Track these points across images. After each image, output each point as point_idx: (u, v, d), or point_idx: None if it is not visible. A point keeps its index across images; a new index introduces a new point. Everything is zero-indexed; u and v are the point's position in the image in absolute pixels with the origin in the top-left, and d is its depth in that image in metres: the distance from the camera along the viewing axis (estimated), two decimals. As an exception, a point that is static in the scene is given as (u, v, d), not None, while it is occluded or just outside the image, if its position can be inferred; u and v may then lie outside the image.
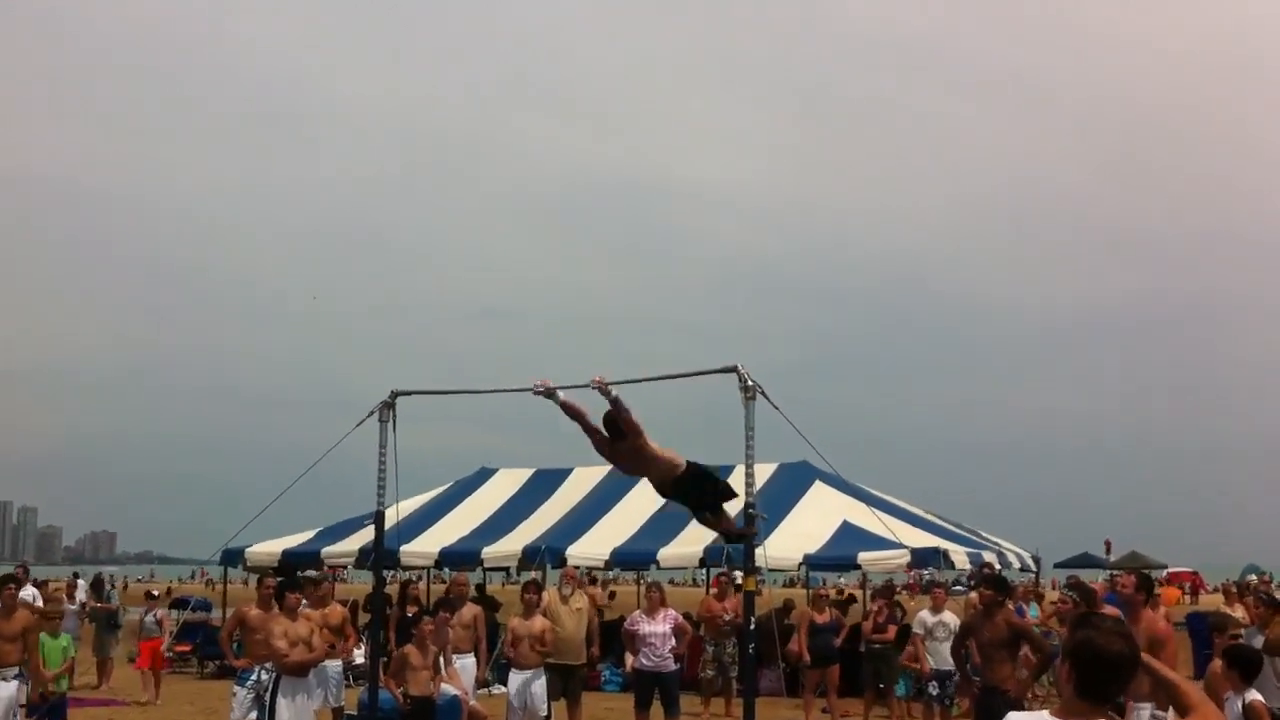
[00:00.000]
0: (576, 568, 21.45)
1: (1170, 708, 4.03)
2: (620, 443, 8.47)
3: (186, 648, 23.56)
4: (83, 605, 23.13)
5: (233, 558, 22.51)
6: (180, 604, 25.76)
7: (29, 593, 20.39)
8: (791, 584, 49.65)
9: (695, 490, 8.50)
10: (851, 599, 25.80)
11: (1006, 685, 10.42)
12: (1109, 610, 4.03)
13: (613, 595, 33.67)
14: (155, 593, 21.78)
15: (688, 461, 8.46)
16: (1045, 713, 3.77)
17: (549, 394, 8.69)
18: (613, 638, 18.62)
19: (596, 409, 8.47)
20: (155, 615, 19.64)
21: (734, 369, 8.09)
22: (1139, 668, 3.77)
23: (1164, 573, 53.09)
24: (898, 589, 27.36)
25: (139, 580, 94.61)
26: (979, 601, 11.90)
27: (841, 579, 28.05)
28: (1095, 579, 34.79)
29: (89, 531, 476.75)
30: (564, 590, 15.18)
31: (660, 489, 8.70)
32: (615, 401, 8.52)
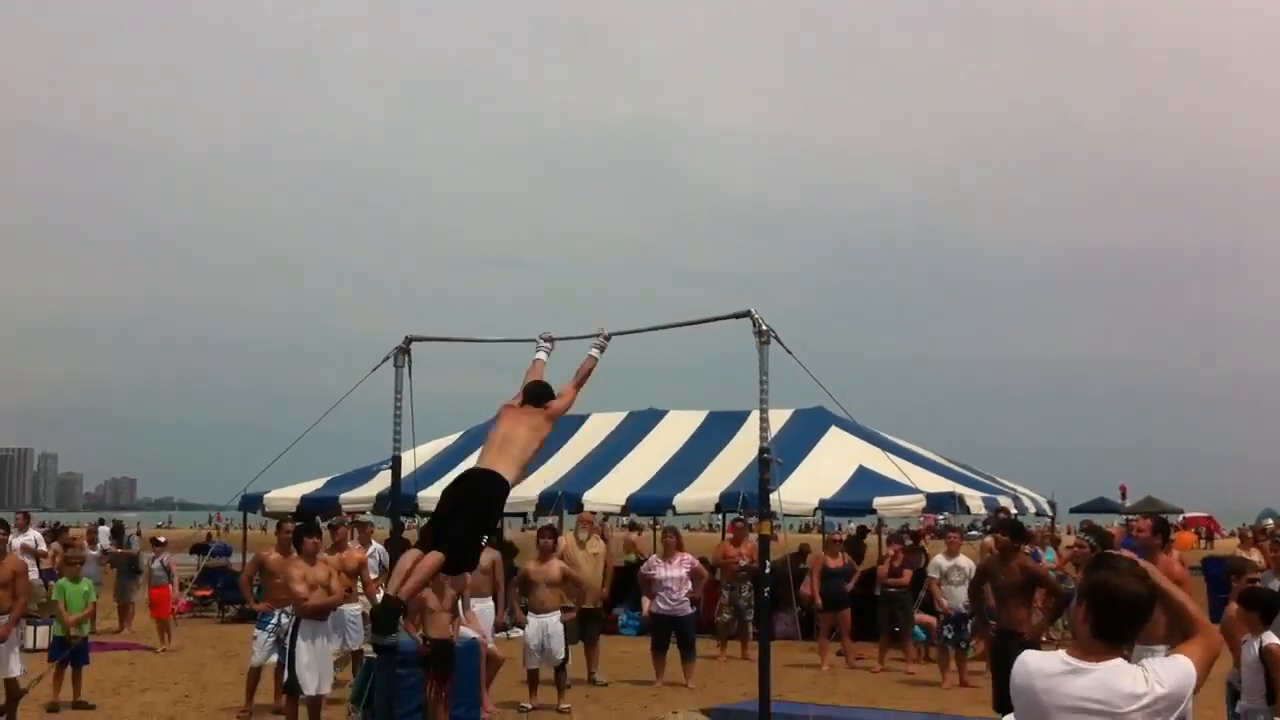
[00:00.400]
0: (593, 513, 21.58)
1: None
2: (532, 411, 8.37)
3: (207, 592, 23.78)
4: (104, 551, 23.31)
5: (251, 503, 22.63)
6: (200, 549, 25.95)
7: (31, 536, 20.51)
8: (807, 529, 49.79)
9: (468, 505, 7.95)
10: (864, 530, 25.87)
11: (1022, 629, 10.47)
12: (1125, 554, 4.01)
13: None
14: (163, 539, 21.83)
15: (505, 480, 8.09)
16: (1061, 652, 3.79)
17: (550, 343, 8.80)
18: (630, 582, 18.73)
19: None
20: (162, 561, 19.55)
21: (747, 314, 8.06)
22: (1154, 609, 3.78)
23: (1179, 518, 53.04)
24: (923, 535, 27.40)
25: (158, 526, 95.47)
26: (995, 546, 11.94)
27: (851, 524, 28.11)
28: (1111, 524, 34.80)
29: (109, 478, 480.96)
30: (580, 535, 15.28)
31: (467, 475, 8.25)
32: (590, 366, 8.62)
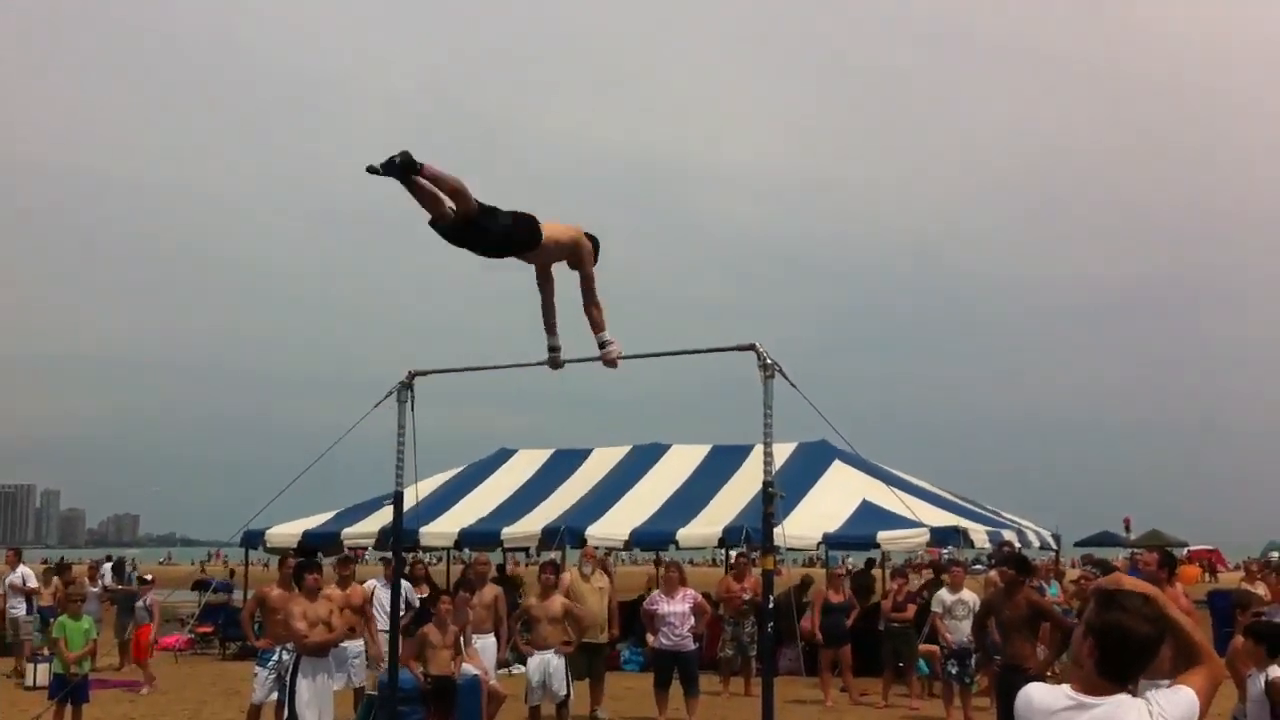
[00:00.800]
0: (596, 548, 21.52)
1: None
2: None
3: (208, 629, 23.68)
4: (104, 588, 23.24)
5: (253, 539, 22.60)
6: (201, 586, 25.87)
7: (19, 574, 20.38)
8: (810, 564, 49.66)
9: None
10: (871, 563, 25.68)
11: (1028, 664, 10.42)
12: (1136, 584, 3.98)
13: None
14: (148, 577, 21.66)
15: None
16: (1066, 687, 3.77)
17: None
18: (633, 617, 18.66)
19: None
20: (145, 601, 19.22)
21: (752, 347, 8.04)
22: (1161, 648, 3.76)
23: (1184, 551, 52.85)
24: (920, 567, 27.14)
25: (160, 563, 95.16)
26: (1000, 580, 11.89)
27: (849, 558, 27.92)
28: (1116, 557, 34.69)
29: (112, 514, 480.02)
30: (584, 569, 15.23)
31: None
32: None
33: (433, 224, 7.17)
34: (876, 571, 25.95)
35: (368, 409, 9.68)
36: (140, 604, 19.34)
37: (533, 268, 7.98)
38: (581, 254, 7.90)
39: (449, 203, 7.09)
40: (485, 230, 7.29)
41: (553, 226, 7.72)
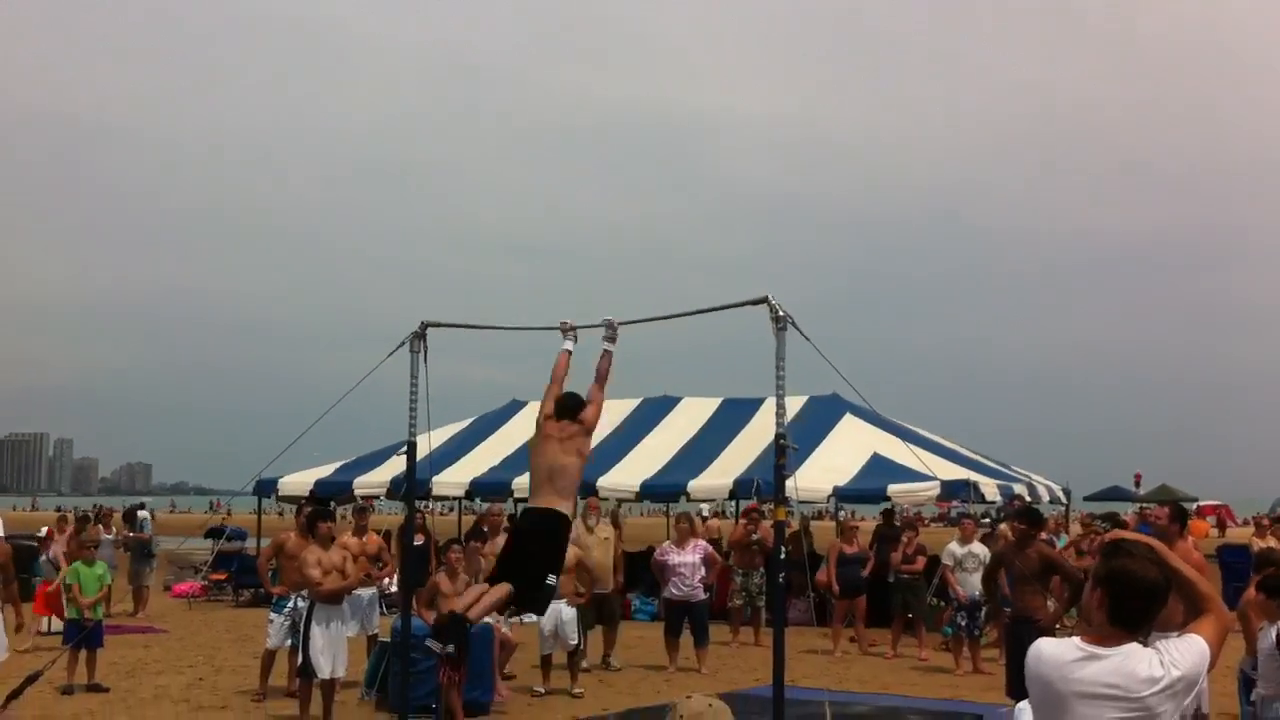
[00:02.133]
0: (605, 499, 21.57)
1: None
2: (571, 430, 8.36)
3: (222, 576, 23.84)
4: (118, 535, 23.39)
5: (266, 488, 22.70)
6: (215, 533, 26.02)
7: None
8: (820, 516, 49.81)
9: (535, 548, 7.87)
10: (891, 513, 25.44)
11: (1038, 615, 10.45)
12: (1141, 538, 4.00)
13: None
14: (44, 530, 21.09)
15: (567, 516, 8.11)
16: (1076, 639, 3.78)
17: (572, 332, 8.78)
18: (643, 567, 18.76)
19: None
20: (49, 555, 18.80)
21: (764, 300, 8.02)
22: (1170, 595, 3.77)
23: (1194, 506, 52.89)
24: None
25: (171, 511, 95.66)
26: (1011, 533, 11.91)
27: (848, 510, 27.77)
28: (1125, 512, 34.72)
29: (124, 463, 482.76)
30: (589, 520, 15.32)
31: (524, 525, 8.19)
32: (608, 363, 8.65)
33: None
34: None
35: (380, 359, 9.70)
36: (44, 558, 19.13)
37: None
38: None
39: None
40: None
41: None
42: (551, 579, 7.84)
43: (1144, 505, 39.46)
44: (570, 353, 8.86)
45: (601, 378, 8.68)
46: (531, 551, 7.81)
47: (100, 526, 22.59)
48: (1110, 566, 3.72)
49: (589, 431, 8.46)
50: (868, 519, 37.50)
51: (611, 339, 8.76)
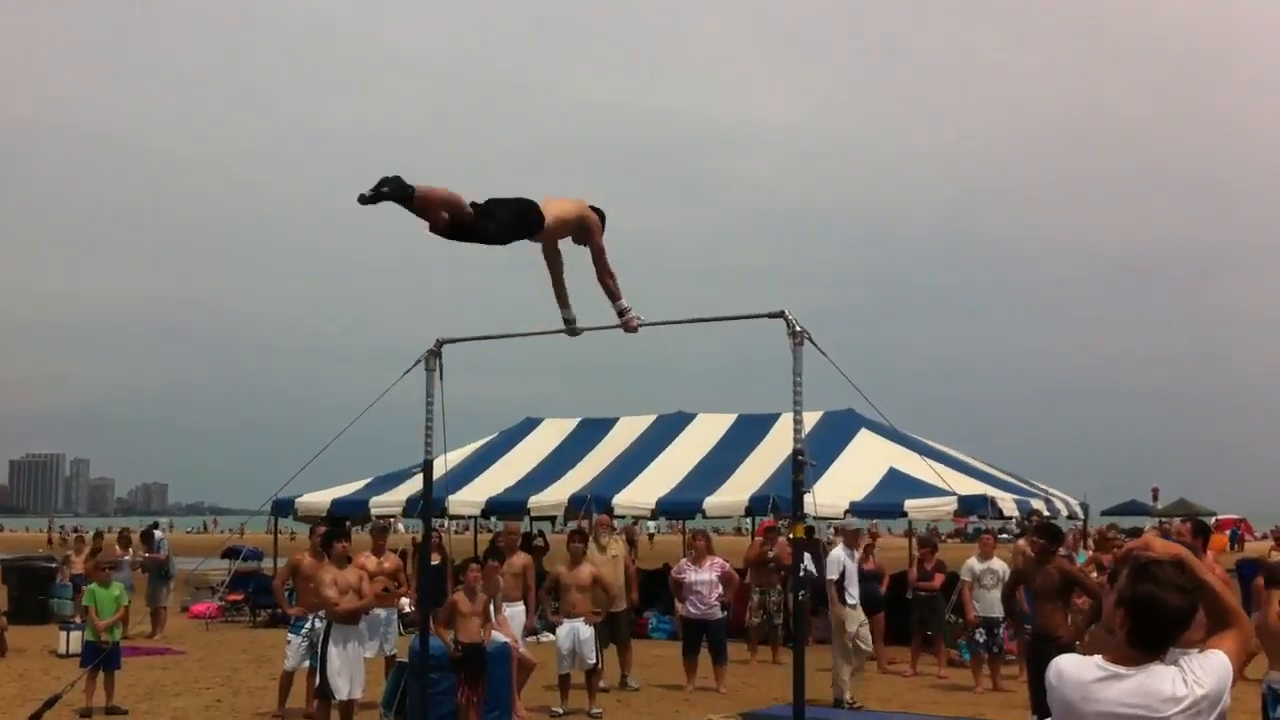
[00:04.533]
0: (621, 516, 21.53)
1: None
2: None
3: (239, 596, 23.86)
4: (135, 556, 23.44)
5: (283, 508, 22.72)
6: (232, 553, 26.05)
7: None
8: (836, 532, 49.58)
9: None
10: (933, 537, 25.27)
11: (1059, 632, 10.39)
12: (1167, 546, 3.96)
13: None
14: None
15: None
16: (1098, 657, 3.75)
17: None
18: (661, 585, 18.72)
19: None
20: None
21: (781, 314, 8.02)
22: (1194, 618, 3.74)
23: (1213, 520, 52.62)
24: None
25: (188, 531, 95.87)
26: (1030, 549, 11.85)
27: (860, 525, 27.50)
28: (1146, 527, 34.48)
29: (141, 483, 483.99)
30: (600, 538, 15.30)
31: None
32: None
33: (432, 230, 7.20)
34: (903, 540, 25.93)
35: (396, 378, 9.71)
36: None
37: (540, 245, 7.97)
38: (589, 228, 7.89)
39: (444, 212, 7.10)
40: (485, 229, 7.31)
41: (556, 205, 7.68)
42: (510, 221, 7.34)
43: (1162, 520, 39.28)
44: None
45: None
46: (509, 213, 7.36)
47: (119, 547, 22.70)
48: (1136, 590, 3.69)
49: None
50: (886, 535, 37.38)
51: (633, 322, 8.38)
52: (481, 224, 7.24)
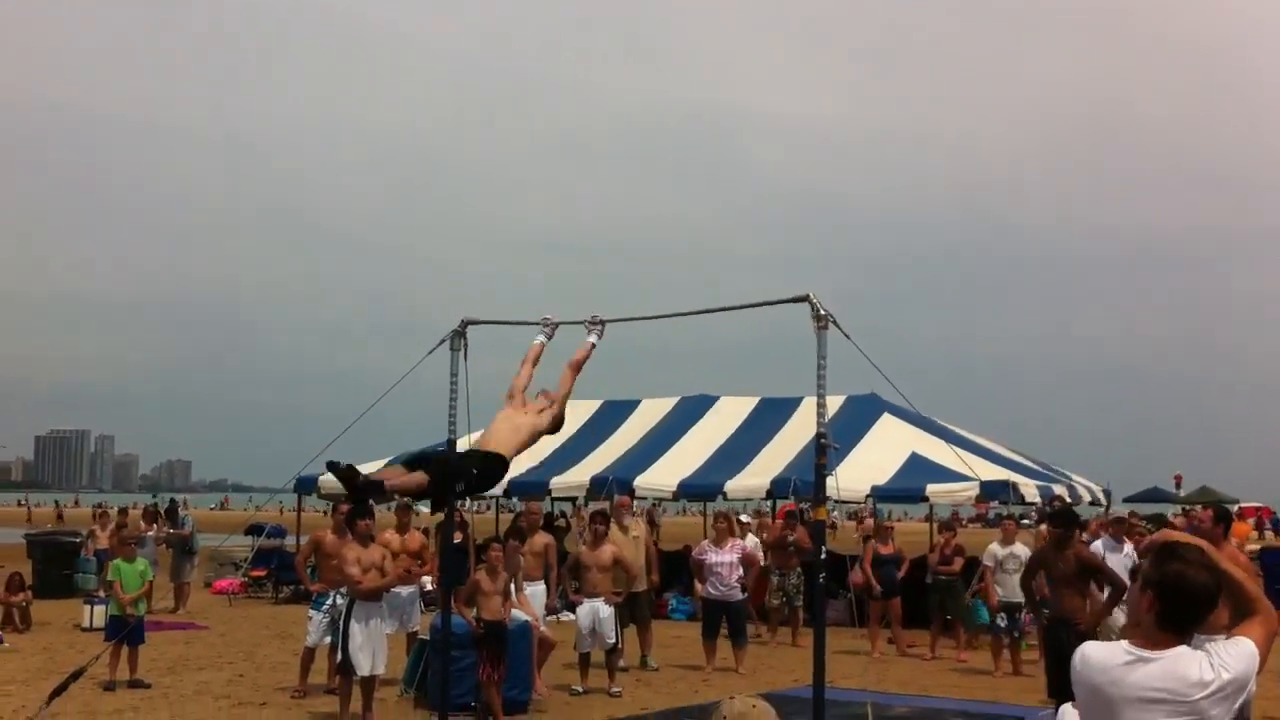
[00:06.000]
0: (642, 498, 21.56)
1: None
2: (528, 405, 8.47)
3: (262, 572, 23.99)
4: (159, 532, 23.58)
5: (307, 485, 22.81)
6: (255, 530, 26.19)
7: None
8: (858, 516, 49.56)
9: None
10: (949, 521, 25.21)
11: (1077, 618, 10.37)
12: (1192, 539, 3.98)
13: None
14: None
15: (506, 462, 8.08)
16: (1124, 642, 3.75)
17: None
18: (680, 566, 18.76)
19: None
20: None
21: (805, 298, 8.01)
22: (1220, 600, 3.74)
23: (1236, 508, 52.37)
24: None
25: (211, 508, 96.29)
26: (1048, 535, 11.83)
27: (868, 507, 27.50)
28: (1170, 513, 34.38)
29: (165, 460, 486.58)
30: (621, 519, 15.35)
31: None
32: (585, 353, 8.77)
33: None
34: (923, 525, 25.86)
35: (421, 357, 9.73)
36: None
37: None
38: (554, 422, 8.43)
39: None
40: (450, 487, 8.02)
41: (515, 435, 8.12)
42: (460, 489, 8.20)
43: (1186, 507, 39.12)
44: (542, 343, 9.10)
45: (575, 364, 8.76)
46: (470, 473, 7.93)
47: (144, 523, 22.84)
48: (1163, 571, 3.70)
49: (551, 410, 8.43)
50: (905, 519, 37.33)
51: (598, 334, 8.91)
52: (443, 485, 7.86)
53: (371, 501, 15.61)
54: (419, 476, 7.58)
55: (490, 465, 7.91)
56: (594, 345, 8.88)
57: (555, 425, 8.53)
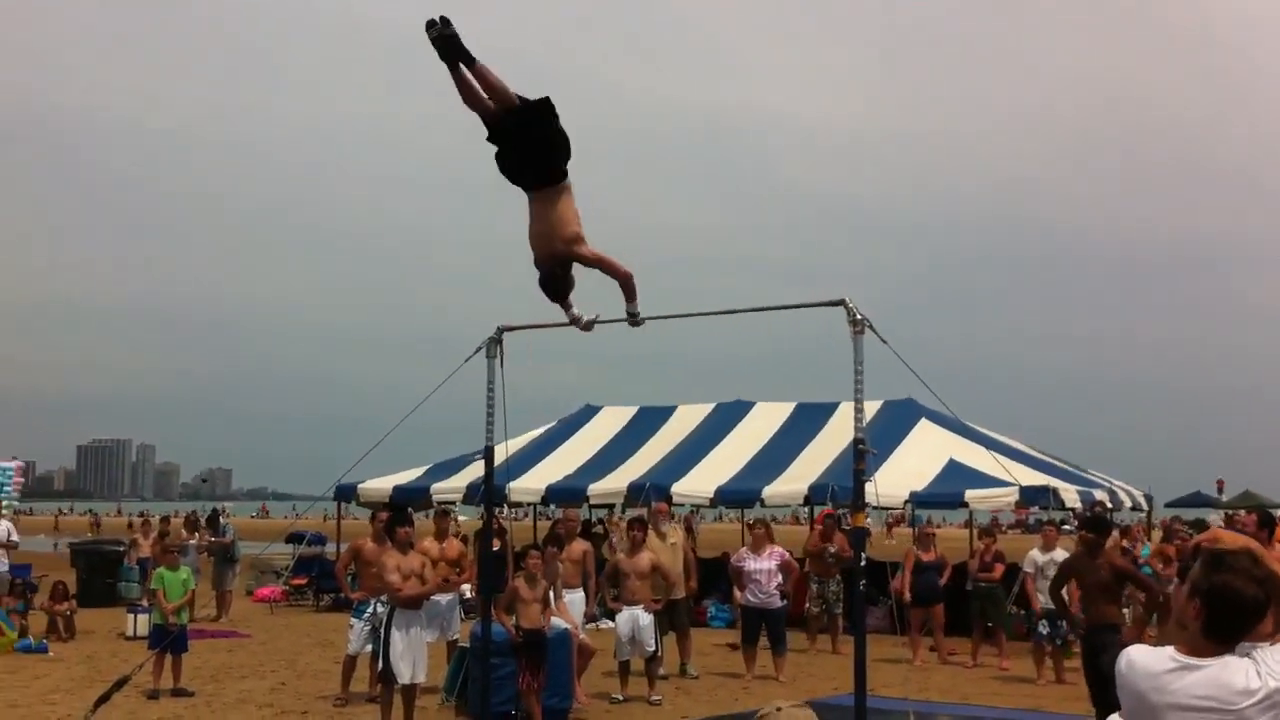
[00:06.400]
0: (680, 504, 21.55)
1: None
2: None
3: (303, 581, 24.12)
4: (201, 540, 23.73)
5: (346, 493, 22.93)
6: (296, 538, 26.34)
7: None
8: (897, 522, 49.46)
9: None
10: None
11: (1114, 622, 10.30)
12: (1235, 538, 3.95)
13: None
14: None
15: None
16: (1170, 649, 3.72)
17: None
18: (719, 574, 18.72)
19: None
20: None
21: (841, 302, 7.98)
22: (1268, 610, 3.71)
23: (1279, 512, 51.90)
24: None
25: (251, 516, 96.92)
26: (1080, 543, 11.76)
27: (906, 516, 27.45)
28: (1211, 517, 34.02)
29: (206, 468, 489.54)
30: (660, 526, 15.34)
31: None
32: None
33: (473, 107, 7.06)
34: (962, 531, 25.72)
35: (457, 365, 9.76)
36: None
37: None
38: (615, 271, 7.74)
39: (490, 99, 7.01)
40: (506, 131, 7.12)
41: (586, 248, 7.56)
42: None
43: (1229, 512, 38.75)
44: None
45: (610, 264, 7.93)
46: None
47: (186, 531, 23.00)
48: (1212, 581, 3.66)
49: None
50: (944, 525, 37.07)
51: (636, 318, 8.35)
52: (509, 118, 7.07)
53: (410, 509, 15.62)
54: (512, 96, 7.01)
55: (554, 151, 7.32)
56: (633, 314, 8.19)
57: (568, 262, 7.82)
